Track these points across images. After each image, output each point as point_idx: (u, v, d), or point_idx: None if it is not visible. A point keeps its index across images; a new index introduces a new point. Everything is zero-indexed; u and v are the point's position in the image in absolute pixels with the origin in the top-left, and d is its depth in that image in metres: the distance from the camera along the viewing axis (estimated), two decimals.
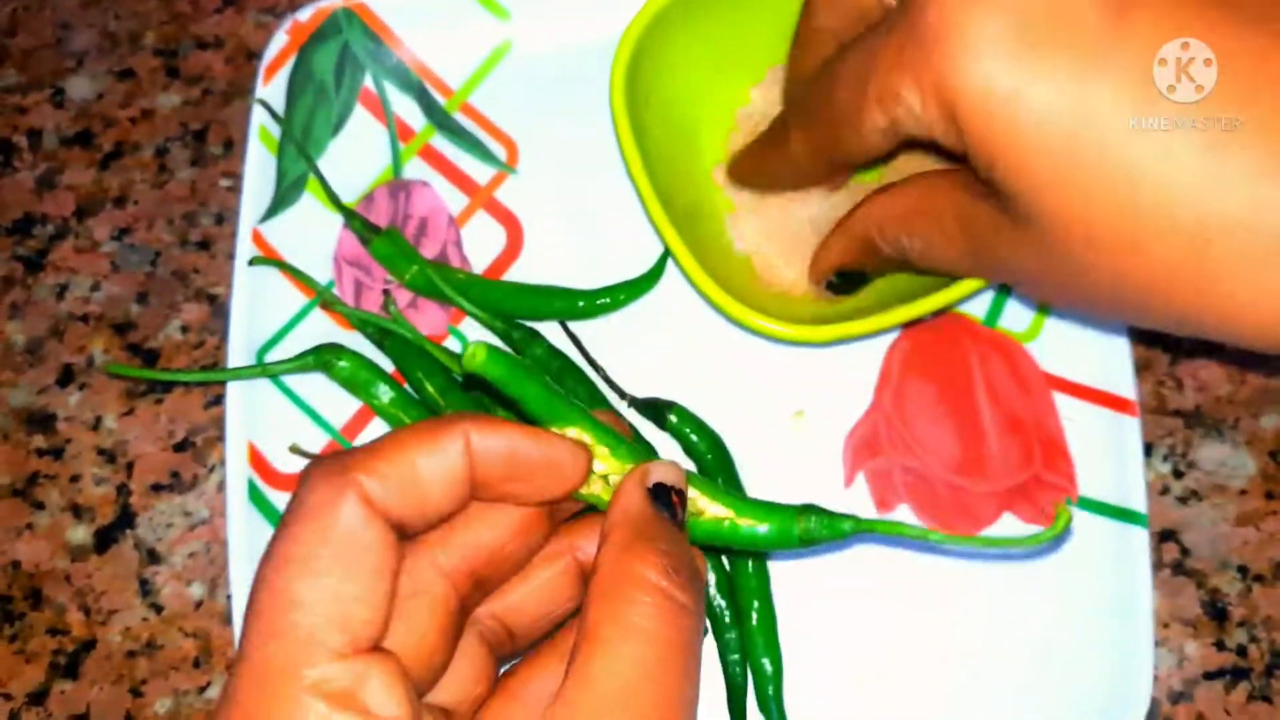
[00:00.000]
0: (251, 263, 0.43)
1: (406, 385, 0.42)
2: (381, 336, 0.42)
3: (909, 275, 0.40)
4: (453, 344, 0.43)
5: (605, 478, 0.30)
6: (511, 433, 0.28)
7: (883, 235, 0.36)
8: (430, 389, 0.41)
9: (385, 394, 0.42)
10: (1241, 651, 0.40)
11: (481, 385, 0.31)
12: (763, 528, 0.30)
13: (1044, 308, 0.43)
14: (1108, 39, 0.26)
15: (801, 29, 0.38)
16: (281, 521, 0.26)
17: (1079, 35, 0.26)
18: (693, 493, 0.30)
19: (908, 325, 0.42)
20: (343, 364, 0.41)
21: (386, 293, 0.43)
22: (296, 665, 0.24)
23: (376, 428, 0.42)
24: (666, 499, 0.28)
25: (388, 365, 0.43)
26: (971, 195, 0.31)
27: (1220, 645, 0.41)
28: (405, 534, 0.27)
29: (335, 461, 0.26)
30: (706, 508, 0.30)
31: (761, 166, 0.40)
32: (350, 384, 0.42)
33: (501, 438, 0.28)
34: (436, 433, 0.27)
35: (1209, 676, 0.40)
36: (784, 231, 0.43)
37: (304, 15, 0.45)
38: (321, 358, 0.41)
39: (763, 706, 0.39)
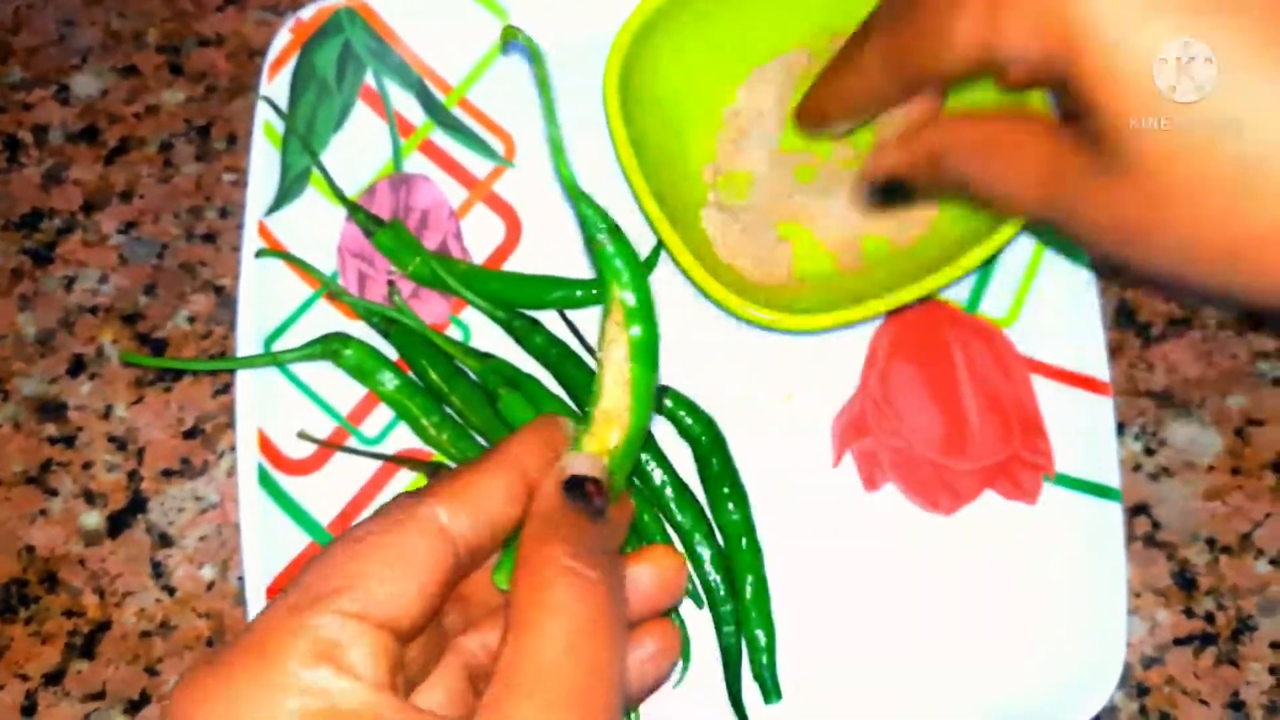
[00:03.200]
0: (259, 255, 0.44)
1: (411, 373, 0.44)
2: (386, 326, 0.44)
3: (907, 254, 0.42)
4: (455, 332, 0.45)
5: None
6: (470, 483, 0.29)
7: (948, 160, 0.35)
8: (434, 376, 0.43)
9: (390, 381, 0.43)
10: (1209, 619, 0.43)
11: None
12: None
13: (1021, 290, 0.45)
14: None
15: None
16: (359, 524, 0.28)
17: None
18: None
19: (892, 312, 0.44)
20: (349, 352, 0.43)
21: (391, 283, 0.44)
22: (302, 608, 0.25)
23: (381, 414, 0.44)
24: (581, 489, 0.30)
25: (392, 354, 0.44)
26: (1061, 138, 0.31)
27: (1189, 613, 0.43)
28: (475, 560, 0.29)
29: (415, 491, 0.29)
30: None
31: (831, 88, 0.39)
32: (356, 372, 0.43)
33: (468, 499, 0.29)
34: (494, 462, 0.30)
35: (1179, 642, 0.42)
36: (737, 224, 0.45)
37: (307, 14, 0.46)
38: (329, 346, 0.43)
39: (757, 676, 0.41)
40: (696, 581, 0.42)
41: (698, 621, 0.42)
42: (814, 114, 0.40)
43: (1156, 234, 0.29)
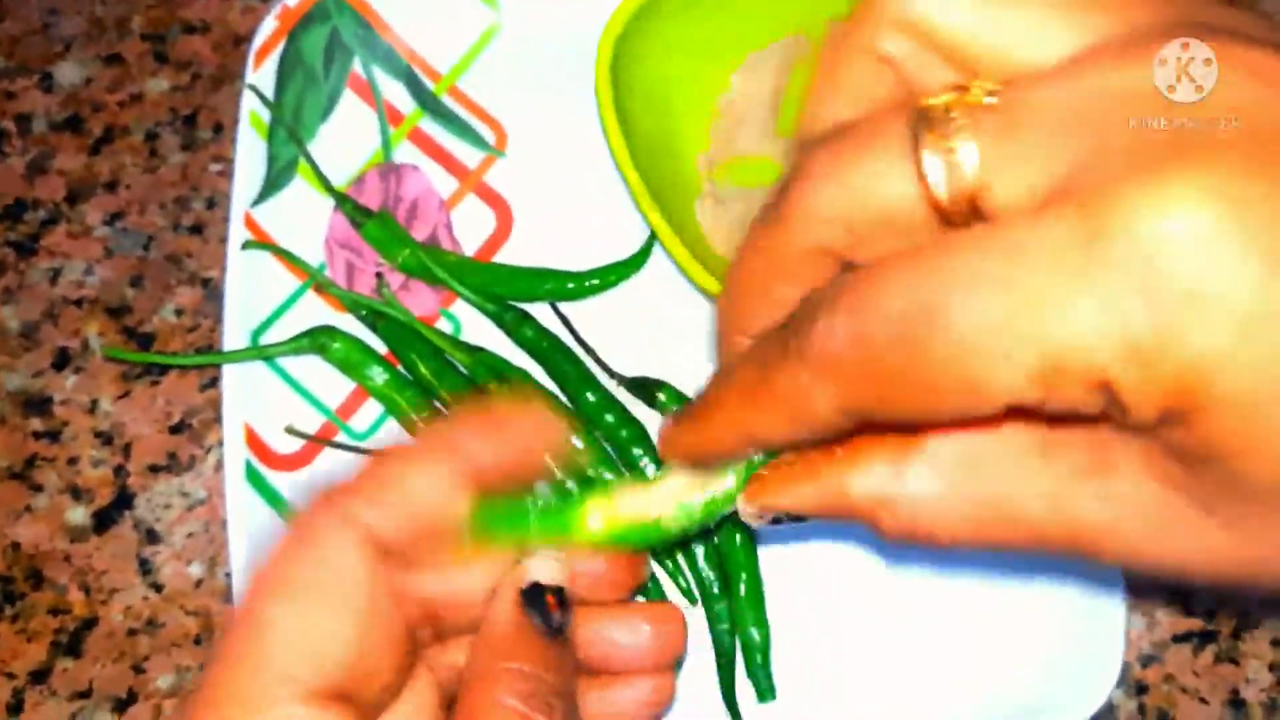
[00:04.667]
0: (245, 247, 0.43)
1: (400, 367, 0.43)
2: (375, 319, 0.43)
3: None
4: (445, 326, 0.44)
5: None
6: (506, 430, 0.27)
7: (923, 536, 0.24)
8: (423, 370, 0.42)
9: (379, 376, 0.42)
10: (1209, 616, 0.42)
11: None
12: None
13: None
14: None
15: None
16: (274, 547, 0.25)
17: None
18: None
19: None
20: (337, 346, 0.42)
21: (379, 275, 0.44)
22: (259, 699, 0.22)
23: (371, 408, 0.43)
24: (541, 601, 0.26)
25: (381, 347, 0.43)
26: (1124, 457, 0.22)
27: (1188, 610, 0.42)
28: (404, 560, 0.25)
29: (328, 487, 0.25)
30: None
31: (735, 419, 0.25)
32: (345, 366, 0.43)
33: (498, 437, 0.26)
34: (425, 448, 0.26)
35: (1177, 640, 0.42)
36: (733, 215, 0.44)
37: (293, 0, 0.45)
38: (316, 340, 0.42)
39: (751, 674, 0.40)
40: (690, 579, 0.41)
41: (691, 619, 0.41)
42: (696, 448, 0.26)
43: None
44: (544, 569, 0.27)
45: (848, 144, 0.22)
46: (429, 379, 0.42)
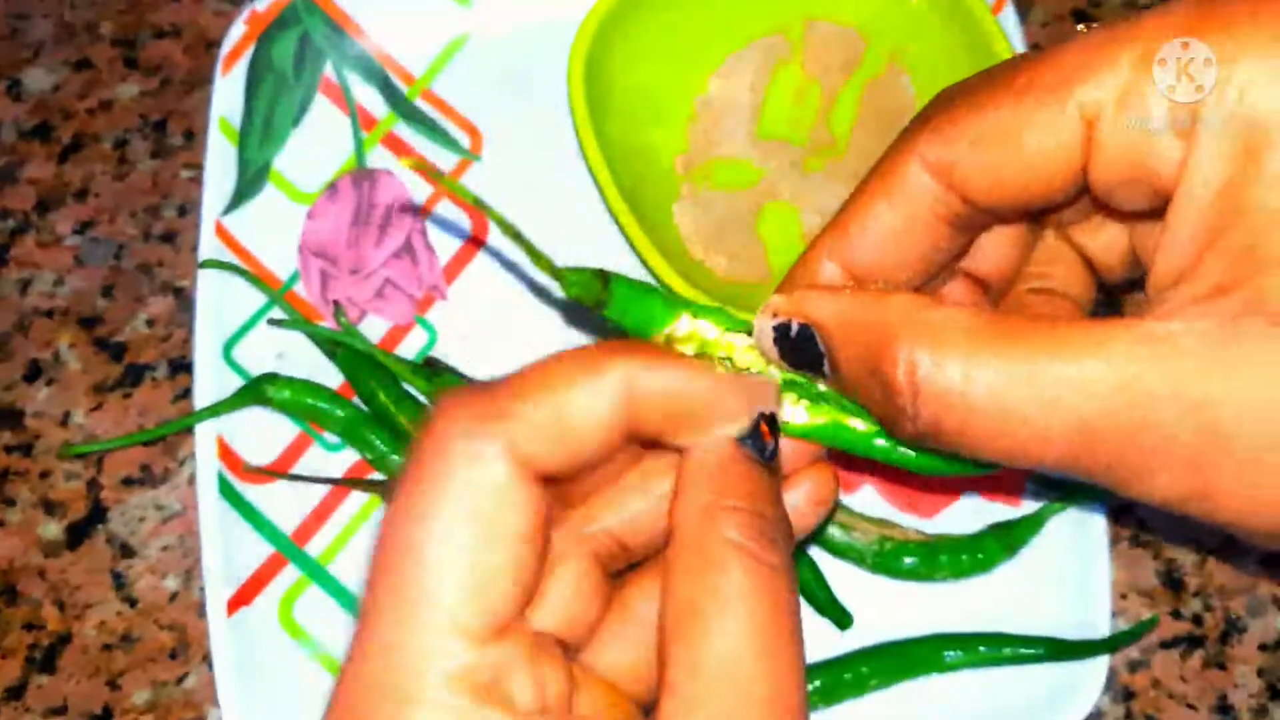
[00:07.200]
0: (203, 265, 0.42)
1: (356, 397, 0.42)
2: (333, 348, 0.42)
3: None
4: (420, 335, 0.43)
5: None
6: (679, 368, 0.24)
7: (913, 373, 0.24)
8: (383, 399, 0.41)
9: (335, 413, 0.41)
10: (1197, 620, 0.42)
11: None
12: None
13: None
14: None
15: None
16: (412, 463, 0.23)
17: None
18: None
19: None
20: (281, 394, 0.41)
21: (337, 304, 0.43)
22: (431, 654, 0.22)
23: None
24: (755, 430, 0.25)
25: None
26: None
27: (1176, 614, 0.42)
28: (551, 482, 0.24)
29: (475, 400, 0.23)
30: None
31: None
32: (292, 410, 0.42)
33: (670, 374, 0.24)
34: (591, 367, 0.24)
35: (1165, 645, 0.41)
36: (712, 218, 0.43)
37: (262, 4, 0.44)
38: (259, 392, 0.41)
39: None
40: None
41: None
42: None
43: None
44: (767, 394, 0.25)
45: None
46: (389, 409, 0.41)
